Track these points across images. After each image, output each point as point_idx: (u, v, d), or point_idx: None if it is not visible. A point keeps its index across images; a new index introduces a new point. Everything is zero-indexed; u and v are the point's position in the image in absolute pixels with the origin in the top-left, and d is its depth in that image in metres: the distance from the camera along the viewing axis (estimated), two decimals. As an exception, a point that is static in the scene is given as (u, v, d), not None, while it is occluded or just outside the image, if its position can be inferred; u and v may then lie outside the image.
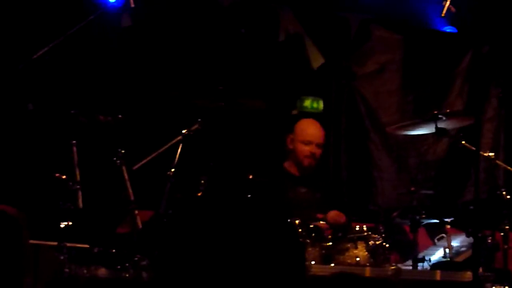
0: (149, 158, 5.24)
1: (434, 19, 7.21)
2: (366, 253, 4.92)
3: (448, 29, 7.28)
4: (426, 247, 5.54)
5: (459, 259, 5.38)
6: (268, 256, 4.10)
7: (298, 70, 7.10)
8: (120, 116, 4.94)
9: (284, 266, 4.13)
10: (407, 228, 5.38)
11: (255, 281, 4.06)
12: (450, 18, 7.15)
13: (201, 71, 6.64)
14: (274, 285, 4.09)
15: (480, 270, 4.95)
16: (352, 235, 4.95)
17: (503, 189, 5.25)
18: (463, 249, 5.43)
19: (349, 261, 4.89)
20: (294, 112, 7.02)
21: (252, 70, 6.84)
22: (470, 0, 6.44)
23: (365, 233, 4.97)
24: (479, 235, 5.22)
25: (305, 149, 5.64)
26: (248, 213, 4.28)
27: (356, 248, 4.92)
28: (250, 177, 5.13)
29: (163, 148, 5.24)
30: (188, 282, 4.13)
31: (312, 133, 5.72)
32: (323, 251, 4.87)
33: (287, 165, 5.76)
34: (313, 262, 4.73)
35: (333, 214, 5.40)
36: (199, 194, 4.98)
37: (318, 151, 5.67)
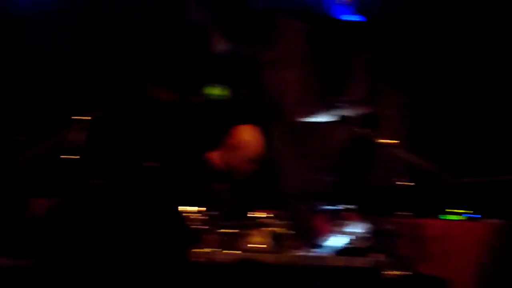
0: (49, 144, 5.16)
1: (339, 8, 7.29)
2: (270, 239, 4.95)
3: (354, 18, 7.36)
4: (329, 234, 5.60)
5: (361, 245, 5.45)
6: (145, 243, 4.11)
7: (204, 58, 7.08)
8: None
9: (163, 253, 4.14)
10: (310, 215, 5.43)
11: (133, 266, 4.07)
12: (356, 7, 7.27)
13: (103, 57, 6.57)
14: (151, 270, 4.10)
15: (381, 256, 5.07)
16: (255, 222, 4.97)
17: (403, 176, 5.35)
18: (365, 235, 5.50)
19: (252, 247, 4.90)
20: (200, 99, 7.00)
21: (156, 58, 6.79)
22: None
23: (269, 220, 5.00)
24: (378, 221, 5.35)
25: (241, 164, 5.54)
26: (135, 201, 4.29)
27: (259, 234, 4.94)
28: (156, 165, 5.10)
29: (64, 134, 5.15)
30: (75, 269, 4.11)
31: (255, 150, 5.60)
32: (226, 238, 4.88)
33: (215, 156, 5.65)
34: (215, 249, 4.74)
35: None
36: (96, 182, 4.93)
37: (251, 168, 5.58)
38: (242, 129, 5.53)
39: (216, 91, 7.06)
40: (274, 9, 7.15)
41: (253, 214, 5.11)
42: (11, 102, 4.87)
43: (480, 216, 6.63)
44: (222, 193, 5.48)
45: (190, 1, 6.98)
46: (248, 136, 5.52)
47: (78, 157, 4.98)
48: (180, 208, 4.86)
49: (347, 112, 5.54)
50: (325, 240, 5.38)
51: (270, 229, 4.97)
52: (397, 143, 5.50)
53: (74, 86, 6.15)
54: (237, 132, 5.50)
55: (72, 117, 5.21)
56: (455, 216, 6.58)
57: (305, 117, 5.81)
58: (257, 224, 4.95)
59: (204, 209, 4.87)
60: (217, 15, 7.04)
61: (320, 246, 5.27)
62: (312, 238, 5.30)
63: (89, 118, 5.17)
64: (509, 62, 7.76)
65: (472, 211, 6.61)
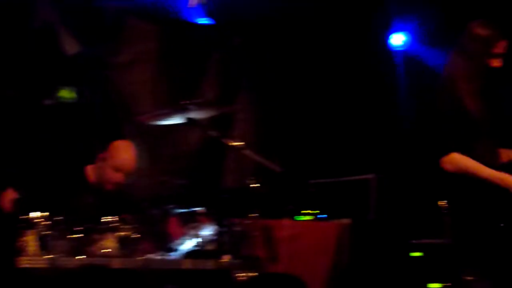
0: None
1: (191, 11, 7.30)
2: (116, 244, 4.88)
3: (205, 20, 7.38)
4: (179, 237, 5.57)
5: (212, 247, 5.45)
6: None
7: (53, 59, 6.94)
8: None
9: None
10: (162, 218, 5.40)
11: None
12: (206, 9, 7.29)
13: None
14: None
15: (228, 257, 5.09)
16: (101, 226, 4.89)
17: (251, 178, 5.39)
18: (216, 237, 5.51)
19: (98, 252, 4.82)
20: (49, 102, 6.86)
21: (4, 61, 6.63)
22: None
23: (115, 224, 4.92)
24: (228, 223, 5.37)
25: (113, 176, 5.44)
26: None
27: (105, 239, 4.87)
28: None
29: None
30: None
31: (126, 161, 5.50)
32: (73, 243, 4.78)
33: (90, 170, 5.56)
34: (61, 255, 4.64)
35: None
36: None
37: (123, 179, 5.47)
38: (116, 144, 5.50)
39: (66, 93, 6.93)
40: (124, 10, 7.08)
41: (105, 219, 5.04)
42: None
43: (326, 216, 6.79)
44: (85, 205, 5.42)
45: (38, 2, 6.82)
46: (121, 152, 5.50)
47: None
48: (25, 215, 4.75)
49: (198, 114, 5.53)
50: (178, 243, 5.36)
51: (117, 234, 4.90)
52: (247, 145, 5.54)
53: None
54: (111, 147, 5.46)
55: None
56: (304, 216, 6.70)
57: (156, 119, 5.76)
58: (103, 229, 4.87)
59: (47, 214, 4.74)
60: (65, 15, 6.91)
61: (172, 250, 5.24)
62: (164, 242, 5.26)
63: None
64: (353, 66, 8.00)
65: (319, 211, 6.75)
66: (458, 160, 4.62)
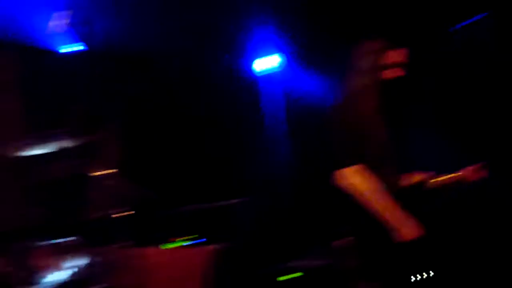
0: None
1: (56, 38, 7.19)
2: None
3: (70, 48, 7.30)
4: (47, 269, 5.46)
5: (81, 277, 5.38)
6: None
7: None
8: None
9: None
10: (27, 251, 5.28)
11: None
12: (73, 38, 7.21)
13: None
14: None
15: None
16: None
17: (121, 206, 5.36)
18: (84, 267, 5.44)
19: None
20: None
21: None
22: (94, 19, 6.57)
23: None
24: (99, 253, 5.31)
25: None
26: None
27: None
28: None
29: None
30: None
31: None
32: None
33: None
34: None
35: None
36: None
37: None
38: None
39: None
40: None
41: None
42: None
43: (200, 241, 6.80)
44: None
45: None
46: None
47: None
48: None
49: (63, 143, 5.47)
50: (45, 275, 5.26)
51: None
52: (113, 172, 5.51)
53: None
54: None
55: None
56: (173, 243, 6.70)
57: (20, 149, 5.65)
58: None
59: None
60: None
61: (39, 283, 5.14)
62: (30, 275, 5.15)
63: None
64: (219, 94, 8.10)
65: (195, 236, 6.77)
66: (354, 175, 4.44)
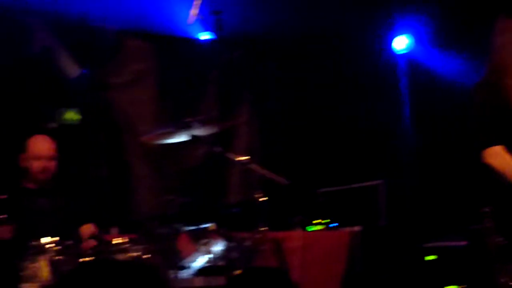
0: None
1: (188, 27, 7.30)
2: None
3: (205, 35, 7.39)
4: (189, 254, 5.56)
5: (221, 263, 5.44)
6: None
7: (54, 82, 6.96)
8: None
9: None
10: (171, 237, 5.39)
11: None
12: (206, 25, 7.29)
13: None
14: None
15: (238, 272, 5.08)
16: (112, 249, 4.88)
17: (258, 192, 5.38)
18: (224, 253, 5.50)
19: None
20: (53, 125, 6.87)
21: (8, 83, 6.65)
22: (226, 7, 6.61)
23: (125, 245, 4.91)
24: (238, 238, 5.35)
25: (37, 164, 5.53)
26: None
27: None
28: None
29: None
30: None
31: (41, 147, 5.60)
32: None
33: (25, 182, 5.60)
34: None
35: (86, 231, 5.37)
36: None
37: (50, 164, 5.57)
38: (31, 138, 5.60)
39: (69, 115, 6.94)
40: (121, 31, 7.09)
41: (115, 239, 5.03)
42: None
43: (337, 224, 6.77)
44: (46, 208, 5.46)
45: (36, 27, 6.84)
46: (36, 142, 5.57)
47: None
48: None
49: (201, 131, 5.53)
50: (189, 261, 5.35)
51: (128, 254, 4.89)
52: (248, 158, 5.53)
53: None
54: (27, 143, 5.57)
55: None
56: (314, 226, 6.68)
57: (160, 138, 5.76)
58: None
59: (58, 238, 4.76)
60: (64, 39, 6.92)
61: (183, 267, 5.23)
62: (173, 260, 5.25)
63: None
64: (356, 73, 7.99)
65: (330, 220, 6.74)
66: (500, 154, 4.32)
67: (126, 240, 4.96)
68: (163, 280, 4.65)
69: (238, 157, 5.57)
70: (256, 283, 4.81)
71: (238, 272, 5.12)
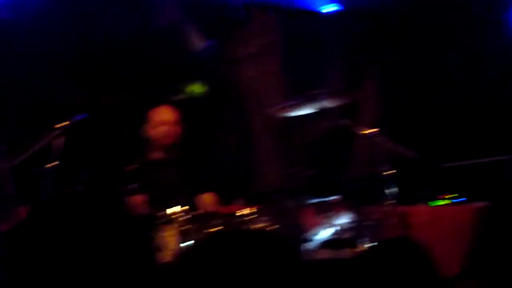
0: (29, 152, 5.13)
1: (313, 0, 7.27)
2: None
3: (330, 8, 7.34)
4: (314, 227, 5.57)
5: (346, 236, 5.43)
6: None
7: (181, 55, 7.06)
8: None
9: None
10: (294, 209, 5.41)
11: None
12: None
13: (82, 63, 6.53)
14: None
15: (365, 246, 5.06)
16: (238, 219, 4.94)
17: (385, 165, 5.34)
18: (349, 226, 5.48)
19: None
20: (179, 97, 6.99)
21: (134, 58, 6.77)
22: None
23: (252, 216, 4.96)
24: (364, 211, 5.33)
25: (165, 129, 5.64)
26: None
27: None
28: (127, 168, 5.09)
29: (43, 142, 5.13)
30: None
31: (164, 113, 5.72)
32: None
33: (150, 153, 5.71)
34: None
35: (205, 201, 5.43)
36: (80, 189, 4.91)
37: (175, 129, 5.67)
38: (153, 109, 5.73)
39: (196, 88, 7.03)
40: (248, 3, 7.12)
41: (240, 211, 5.09)
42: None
43: (465, 199, 6.65)
44: (173, 179, 5.54)
45: (162, 1, 6.94)
46: (157, 109, 5.71)
47: (57, 163, 4.96)
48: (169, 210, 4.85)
49: (327, 103, 5.53)
50: (313, 233, 5.36)
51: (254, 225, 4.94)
52: (376, 131, 5.49)
53: (54, 93, 6.12)
54: (150, 113, 5.70)
55: (52, 124, 5.19)
56: (440, 201, 6.59)
57: (285, 111, 5.78)
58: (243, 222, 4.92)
59: (187, 207, 4.84)
60: (191, 12, 7.00)
61: (308, 240, 5.25)
62: (300, 232, 5.28)
63: (68, 124, 5.14)
64: (481, 47, 7.79)
65: (457, 195, 6.62)
66: None
67: (252, 211, 5.00)
68: (291, 251, 4.67)
69: (364, 129, 5.54)
70: (389, 256, 4.77)
71: (365, 246, 5.10)
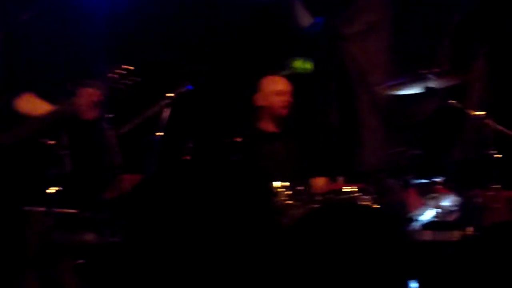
0: (136, 122, 5.21)
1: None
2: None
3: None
4: (417, 207, 5.51)
5: (450, 218, 5.36)
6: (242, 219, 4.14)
7: (286, 31, 7.04)
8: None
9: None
10: (399, 189, 5.36)
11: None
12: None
13: (188, 34, 6.58)
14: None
15: (470, 229, 4.97)
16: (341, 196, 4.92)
17: (492, 148, 5.24)
18: (453, 208, 5.40)
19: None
20: (284, 72, 6.98)
21: (239, 32, 6.79)
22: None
23: (355, 195, 4.93)
24: (469, 194, 5.24)
25: (281, 99, 5.58)
26: (229, 176, 4.31)
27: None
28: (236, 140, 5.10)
29: (150, 112, 5.20)
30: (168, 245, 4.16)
31: (282, 83, 5.68)
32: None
33: (260, 124, 5.66)
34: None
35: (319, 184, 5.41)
36: (187, 158, 4.95)
37: (291, 100, 5.62)
38: (264, 78, 5.71)
39: (301, 64, 7.02)
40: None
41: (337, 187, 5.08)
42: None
43: None
44: (283, 153, 5.52)
45: None
46: (271, 78, 5.71)
47: (163, 133, 5.03)
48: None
49: (436, 83, 5.45)
50: (416, 214, 5.32)
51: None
52: (484, 114, 5.39)
53: (161, 64, 6.20)
54: (262, 82, 5.66)
55: (160, 94, 5.26)
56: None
57: (393, 89, 5.73)
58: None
59: (288, 184, 4.83)
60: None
61: (412, 220, 5.21)
62: (400, 212, 5.24)
63: (174, 95, 5.20)
64: None
65: None
66: None
67: (356, 189, 4.97)
68: (397, 230, 4.63)
69: (473, 111, 5.44)
70: (496, 240, 4.69)
71: (470, 229, 5.02)
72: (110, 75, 4.54)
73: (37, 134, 4.49)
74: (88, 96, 4.44)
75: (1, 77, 4.62)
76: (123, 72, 4.55)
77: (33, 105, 4.42)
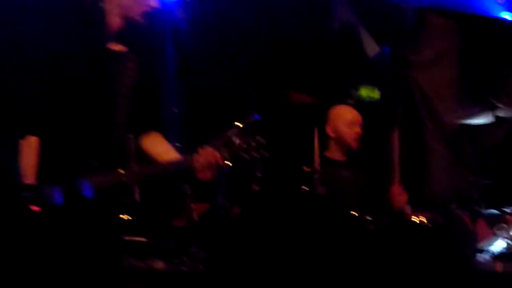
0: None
1: (491, 6, 7.09)
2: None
3: (505, 15, 7.16)
4: (486, 238, 5.44)
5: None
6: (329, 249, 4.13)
7: (353, 60, 7.03)
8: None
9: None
10: (468, 218, 5.31)
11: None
12: (507, 4, 7.05)
13: (254, 61, 6.61)
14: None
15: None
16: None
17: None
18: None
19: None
20: (350, 101, 6.97)
21: (305, 60, 6.79)
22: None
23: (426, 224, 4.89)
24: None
25: (352, 131, 5.52)
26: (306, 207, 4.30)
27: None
28: (305, 169, 5.08)
29: (219, 142, 5.21)
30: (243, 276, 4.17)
31: (354, 115, 5.61)
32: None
33: (328, 152, 5.62)
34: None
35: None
36: (256, 188, 4.96)
37: (361, 131, 5.57)
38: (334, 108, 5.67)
39: (368, 92, 7.01)
40: (423, 8, 7.02)
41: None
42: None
43: None
44: (350, 181, 5.48)
45: (337, 3, 6.94)
46: (342, 108, 5.66)
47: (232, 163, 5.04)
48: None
49: (504, 113, 5.40)
50: (485, 244, 5.26)
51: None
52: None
53: (231, 92, 6.23)
54: (333, 112, 5.63)
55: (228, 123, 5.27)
56: None
57: (462, 118, 5.68)
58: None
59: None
60: (364, 16, 6.97)
61: (480, 251, 5.15)
62: (469, 243, 5.19)
63: (242, 125, 5.21)
64: None
65: None
66: None
67: (423, 219, 4.94)
68: (466, 259, 4.59)
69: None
70: None
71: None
72: (240, 142, 4.41)
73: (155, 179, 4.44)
74: (207, 156, 4.29)
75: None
76: (253, 143, 4.42)
77: (160, 148, 4.26)
